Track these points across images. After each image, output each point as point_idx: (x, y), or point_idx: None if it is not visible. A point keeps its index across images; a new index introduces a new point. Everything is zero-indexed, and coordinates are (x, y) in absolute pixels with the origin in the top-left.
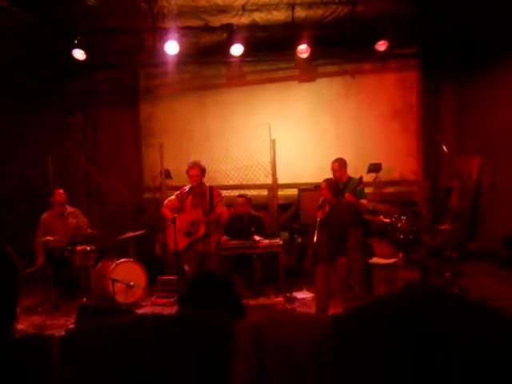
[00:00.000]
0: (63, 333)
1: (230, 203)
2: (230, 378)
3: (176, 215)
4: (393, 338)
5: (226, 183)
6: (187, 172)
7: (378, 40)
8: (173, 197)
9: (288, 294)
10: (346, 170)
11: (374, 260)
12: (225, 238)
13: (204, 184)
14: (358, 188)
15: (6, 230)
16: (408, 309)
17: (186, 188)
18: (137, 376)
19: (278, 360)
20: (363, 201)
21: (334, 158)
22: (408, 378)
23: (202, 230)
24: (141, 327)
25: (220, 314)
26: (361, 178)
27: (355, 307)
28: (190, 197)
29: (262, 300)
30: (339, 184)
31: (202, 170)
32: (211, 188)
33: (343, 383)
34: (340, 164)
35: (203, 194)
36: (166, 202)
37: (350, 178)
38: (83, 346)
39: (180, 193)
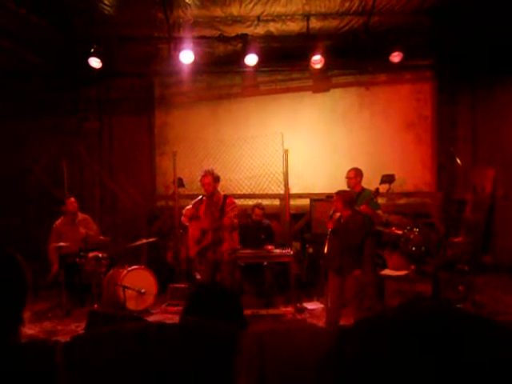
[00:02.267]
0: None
1: (243, 212)
2: None
3: (187, 223)
4: (398, 352)
5: (239, 192)
6: (200, 180)
7: (393, 51)
8: (190, 206)
9: (298, 305)
10: (360, 181)
11: (386, 272)
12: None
13: (219, 192)
14: (374, 199)
15: (19, 234)
16: (414, 323)
17: (202, 196)
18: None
19: (281, 371)
20: (378, 211)
21: (347, 169)
22: None
23: (211, 238)
24: (145, 335)
25: (224, 323)
26: (377, 189)
27: (362, 319)
28: (204, 205)
29: (272, 310)
30: (353, 194)
31: (215, 179)
32: (225, 196)
33: None
34: (356, 173)
35: (217, 202)
36: (184, 211)
37: (363, 189)
38: (87, 352)
39: (196, 201)
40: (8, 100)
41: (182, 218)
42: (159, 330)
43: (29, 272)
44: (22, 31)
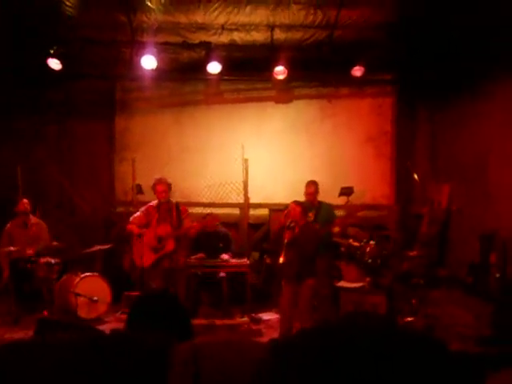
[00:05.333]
0: None
1: (199, 220)
2: None
3: (142, 231)
4: (329, 365)
5: (199, 200)
6: (154, 187)
7: (355, 65)
8: (138, 213)
9: (253, 315)
10: (318, 194)
11: (342, 283)
12: (201, 255)
13: (170, 200)
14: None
15: None
16: (347, 337)
17: (153, 204)
18: None
19: (215, 382)
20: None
21: (307, 180)
22: None
23: (170, 246)
24: (69, 347)
25: (156, 335)
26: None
27: (296, 332)
28: (157, 213)
29: (228, 320)
30: (312, 207)
31: (169, 186)
32: (177, 204)
33: None
34: (316, 188)
35: (170, 209)
36: (131, 218)
37: (320, 203)
38: (4, 363)
39: (146, 209)
40: None
41: (129, 226)
42: (85, 343)
43: None
44: None
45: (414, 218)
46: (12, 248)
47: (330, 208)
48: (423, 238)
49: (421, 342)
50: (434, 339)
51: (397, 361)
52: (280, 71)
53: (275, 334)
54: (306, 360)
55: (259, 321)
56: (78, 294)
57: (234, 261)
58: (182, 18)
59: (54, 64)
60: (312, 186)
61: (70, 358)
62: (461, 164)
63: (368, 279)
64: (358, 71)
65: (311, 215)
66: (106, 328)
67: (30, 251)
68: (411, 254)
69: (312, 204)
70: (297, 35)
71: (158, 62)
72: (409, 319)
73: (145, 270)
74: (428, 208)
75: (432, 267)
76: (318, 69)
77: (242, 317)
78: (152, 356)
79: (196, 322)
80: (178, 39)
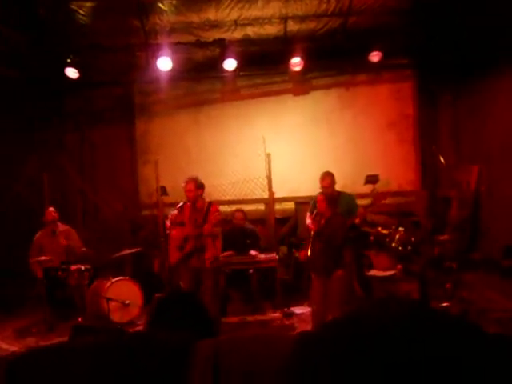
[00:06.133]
0: None
1: (227, 218)
2: None
3: (169, 231)
4: (361, 354)
5: (223, 198)
6: (184, 187)
7: (371, 51)
8: (175, 211)
9: (286, 310)
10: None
11: (373, 272)
12: (230, 252)
13: (203, 199)
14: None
15: (2, 251)
16: (380, 328)
17: (182, 203)
18: None
19: (237, 380)
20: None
21: (331, 170)
22: None
23: (190, 245)
24: (92, 351)
25: (178, 333)
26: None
27: (325, 323)
28: (188, 212)
29: (259, 316)
30: None
31: (199, 186)
32: (210, 203)
33: None
34: (332, 180)
35: (202, 209)
36: (169, 215)
37: (340, 193)
38: (32, 369)
39: (181, 206)
40: None
41: (167, 223)
42: (108, 344)
43: None
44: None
45: (442, 201)
46: (43, 257)
47: (351, 198)
48: (453, 221)
49: (455, 326)
50: (469, 322)
51: (431, 346)
52: (296, 63)
53: (308, 328)
54: (337, 350)
55: (291, 315)
56: (109, 299)
57: (262, 256)
58: (195, 17)
59: (72, 73)
60: (327, 178)
61: (93, 360)
62: (487, 146)
63: (399, 267)
64: (375, 57)
65: None
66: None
67: (60, 259)
68: (442, 238)
69: (330, 196)
70: (310, 25)
71: (173, 63)
72: (444, 304)
73: (173, 269)
74: (456, 191)
75: (465, 251)
76: (334, 57)
77: (274, 312)
78: (173, 354)
79: (227, 319)
80: (192, 38)
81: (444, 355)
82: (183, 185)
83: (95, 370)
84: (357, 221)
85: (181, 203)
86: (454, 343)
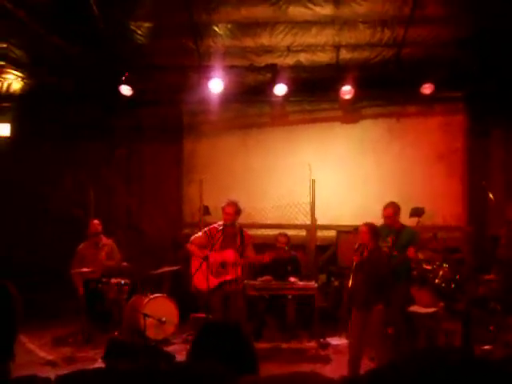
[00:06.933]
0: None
1: (268, 242)
2: None
3: (207, 253)
4: None
5: (264, 222)
6: (223, 209)
7: (424, 83)
8: (200, 233)
9: (321, 340)
10: (399, 217)
11: (414, 308)
12: (268, 277)
13: (235, 224)
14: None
15: (47, 261)
16: (421, 376)
17: (217, 226)
18: None
19: None
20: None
21: (375, 201)
22: None
23: (234, 273)
24: (133, 379)
25: (217, 366)
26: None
27: (367, 372)
28: (221, 236)
29: (294, 344)
30: (391, 232)
31: (238, 211)
32: (241, 228)
33: None
34: (394, 210)
35: (235, 234)
36: (192, 238)
37: (403, 227)
38: None
39: (209, 230)
40: (39, 126)
41: (190, 246)
42: (147, 374)
43: (19, 303)
44: (58, 59)
45: (491, 240)
46: (85, 269)
47: (414, 233)
48: (501, 260)
49: (499, 376)
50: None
51: None
52: (347, 91)
53: (344, 360)
54: None
55: (327, 346)
56: (146, 315)
57: (301, 283)
58: (249, 42)
59: (126, 90)
60: (389, 208)
61: None
62: None
63: (441, 304)
64: (427, 89)
65: (390, 240)
66: (172, 349)
67: (101, 272)
68: (488, 277)
69: (392, 228)
70: (363, 54)
71: (224, 85)
72: (486, 347)
73: (207, 293)
74: (505, 229)
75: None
76: (384, 87)
77: (310, 341)
78: None
79: (261, 345)
80: (245, 62)
81: None
82: (223, 206)
83: None
84: (412, 262)
85: (211, 226)
86: None
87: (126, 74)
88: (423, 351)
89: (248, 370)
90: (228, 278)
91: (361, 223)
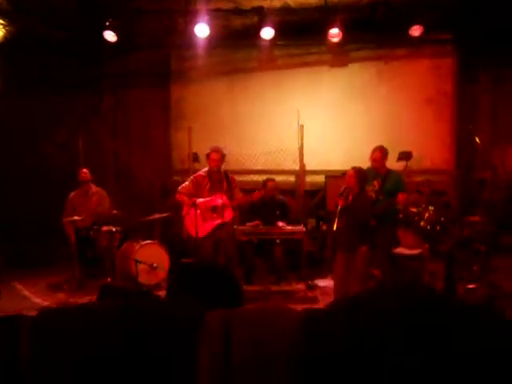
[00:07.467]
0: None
1: (257, 187)
2: (196, 368)
3: (195, 200)
4: (365, 339)
5: (254, 168)
6: (208, 156)
7: (412, 25)
8: (187, 183)
9: (310, 282)
10: (386, 161)
11: (399, 250)
12: (257, 222)
13: (220, 170)
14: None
15: (36, 211)
16: (383, 310)
17: (203, 173)
18: (103, 364)
19: (246, 352)
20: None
21: (363, 145)
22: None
23: (228, 215)
24: (111, 316)
25: (191, 303)
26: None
27: (336, 301)
28: (208, 182)
29: (283, 286)
30: (378, 176)
31: (222, 156)
32: (226, 173)
33: (312, 382)
34: (382, 154)
35: (221, 179)
36: (180, 188)
37: (389, 171)
38: (53, 329)
39: (195, 178)
40: (22, 76)
41: (179, 196)
42: (124, 311)
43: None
44: (37, 5)
45: (477, 183)
46: (76, 217)
47: (399, 178)
48: (486, 203)
49: (475, 315)
50: (486, 311)
51: (432, 336)
52: (335, 34)
53: (331, 301)
54: (336, 336)
55: (315, 287)
56: (138, 261)
57: (289, 228)
58: None
59: (110, 36)
60: (376, 152)
61: (106, 322)
62: None
63: (426, 246)
64: (416, 31)
65: (376, 184)
66: (164, 294)
67: (92, 220)
68: (472, 219)
69: (378, 172)
70: None
71: (210, 30)
72: (470, 286)
73: (199, 240)
74: (491, 172)
75: (496, 234)
76: (373, 30)
77: (298, 283)
78: (184, 324)
79: (251, 288)
80: (231, 5)
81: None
82: (208, 153)
83: (107, 332)
84: (400, 207)
85: (197, 174)
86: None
87: (110, 20)
88: (388, 289)
89: (235, 304)
90: (221, 221)
91: (348, 168)
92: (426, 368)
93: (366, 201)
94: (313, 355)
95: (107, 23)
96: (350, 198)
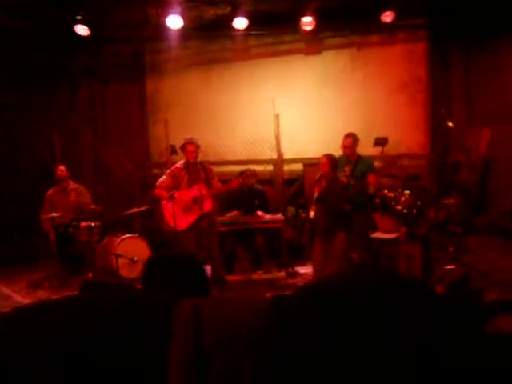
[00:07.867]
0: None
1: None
2: (167, 357)
3: (173, 194)
4: (331, 323)
5: (233, 158)
6: (184, 148)
7: (384, 11)
8: (164, 177)
9: (290, 269)
10: (357, 148)
11: (377, 234)
12: (236, 212)
13: (196, 161)
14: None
15: (14, 207)
16: (354, 293)
17: (179, 166)
18: (72, 359)
19: (217, 340)
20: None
21: (340, 132)
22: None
23: (208, 206)
24: (80, 309)
25: (163, 294)
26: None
27: (301, 287)
28: (186, 174)
29: (264, 275)
30: (349, 162)
31: (198, 147)
32: (202, 163)
33: (281, 369)
34: (354, 140)
35: (198, 170)
36: (158, 183)
37: (359, 157)
38: (22, 325)
39: (172, 171)
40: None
41: (157, 191)
42: (95, 302)
43: None
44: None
45: (452, 166)
46: (54, 214)
47: (370, 163)
48: (461, 185)
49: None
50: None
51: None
52: (307, 22)
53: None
54: (301, 320)
55: (295, 275)
56: (118, 255)
57: (268, 217)
58: None
59: (82, 30)
60: (349, 139)
61: (79, 315)
62: (498, 110)
63: (403, 230)
64: (387, 17)
65: (347, 170)
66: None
67: (70, 216)
68: (447, 202)
69: (349, 158)
70: None
71: (184, 21)
72: (447, 267)
73: (180, 232)
74: (465, 155)
75: (471, 216)
76: (346, 17)
77: (279, 271)
78: (156, 314)
79: (233, 277)
80: None
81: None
82: (184, 144)
83: (76, 324)
84: (371, 191)
85: (174, 167)
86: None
87: (81, 14)
88: (362, 268)
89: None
90: (203, 212)
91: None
92: (379, 349)
93: (338, 186)
94: (279, 340)
95: (78, 17)
96: (324, 184)
